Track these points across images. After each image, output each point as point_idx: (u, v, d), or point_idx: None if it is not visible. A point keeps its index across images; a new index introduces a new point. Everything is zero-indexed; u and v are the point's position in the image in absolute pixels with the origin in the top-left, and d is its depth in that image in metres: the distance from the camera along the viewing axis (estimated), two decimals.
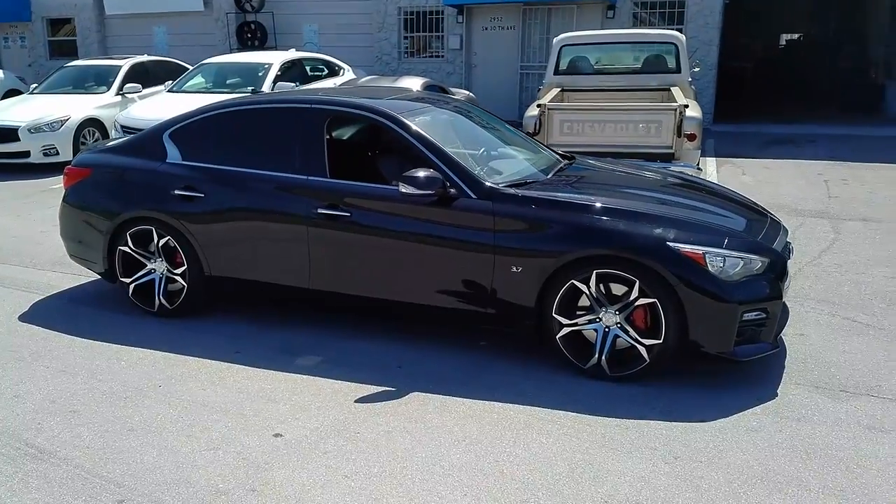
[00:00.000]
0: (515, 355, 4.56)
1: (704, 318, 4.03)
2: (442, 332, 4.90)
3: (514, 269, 4.30)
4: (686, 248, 4.06)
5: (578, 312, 4.31)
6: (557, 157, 5.45)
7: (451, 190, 4.44)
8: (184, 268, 5.16)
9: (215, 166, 5.09)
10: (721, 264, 4.06)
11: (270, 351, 4.69)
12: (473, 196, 4.42)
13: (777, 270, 4.23)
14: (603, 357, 4.23)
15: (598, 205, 4.28)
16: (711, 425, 3.76)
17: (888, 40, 15.79)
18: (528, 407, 3.95)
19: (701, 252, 4.06)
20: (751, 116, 15.34)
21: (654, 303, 4.08)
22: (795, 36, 28.07)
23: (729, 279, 4.05)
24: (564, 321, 4.28)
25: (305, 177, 4.80)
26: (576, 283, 4.21)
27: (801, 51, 25.70)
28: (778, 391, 4.11)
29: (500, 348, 4.67)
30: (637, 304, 4.13)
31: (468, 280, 4.43)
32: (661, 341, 4.10)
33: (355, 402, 4.02)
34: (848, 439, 3.61)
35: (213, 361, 4.54)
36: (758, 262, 4.14)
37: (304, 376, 4.33)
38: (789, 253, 4.54)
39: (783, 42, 28.74)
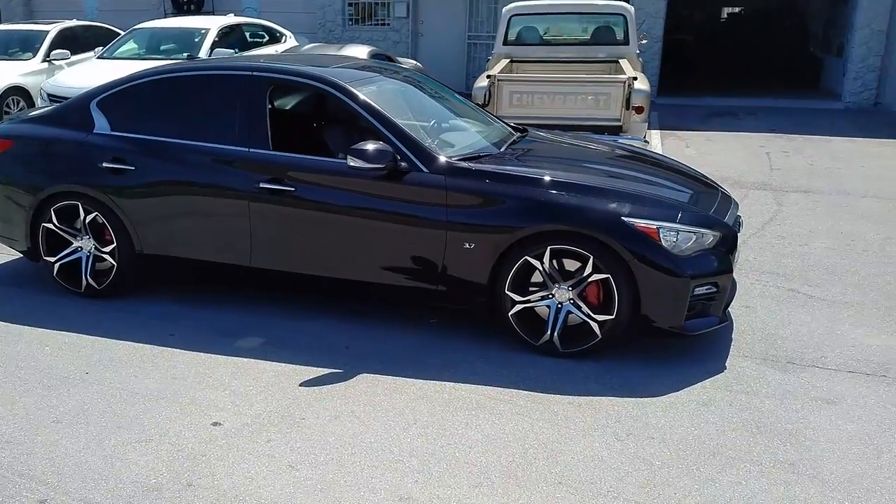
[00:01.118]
0: (467, 333, 4.44)
1: (657, 292, 3.98)
2: (391, 311, 4.75)
3: (467, 245, 4.17)
4: (640, 222, 3.99)
5: (531, 289, 4.22)
6: (510, 129, 5.31)
7: (402, 164, 4.27)
8: (113, 246, 4.87)
9: (147, 137, 4.81)
10: (674, 239, 4.00)
11: (208, 333, 4.47)
12: (425, 170, 4.26)
13: (728, 244, 4.19)
14: (555, 334, 4.14)
15: (553, 179, 4.17)
16: (662, 400, 3.72)
17: (826, 15, 16.05)
18: (481, 386, 3.85)
19: (655, 227, 3.99)
20: (692, 89, 15.46)
21: (607, 278, 4.01)
22: (737, 9, 28.39)
23: (681, 254, 4.00)
24: (517, 298, 4.17)
25: (246, 149, 4.56)
26: (529, 259, 4.10)
27: (742, 24, 26.01)
28: (726, 364, 4.09)
29: (452, 326, 4.54)
30: (590, 279, 4.05)
31: (418, 257, 4.29)
32: (613, 317, 4.03)
33: (300, 385, 3.85)
34: (797, 411, 3.61)
35: (146, 345, 4.31)
36: (710, 237, 4.10)
37: (245, 359, 4.14)
38: (739, 226, 4.51)
39: (725, 15, 29.05)
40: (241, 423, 3.51)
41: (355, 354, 4.20)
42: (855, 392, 3.79)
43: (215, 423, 3.51)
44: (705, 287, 4.06)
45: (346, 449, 3.30)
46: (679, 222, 4.05)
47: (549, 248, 4.06)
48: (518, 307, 4.19)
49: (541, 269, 4.11)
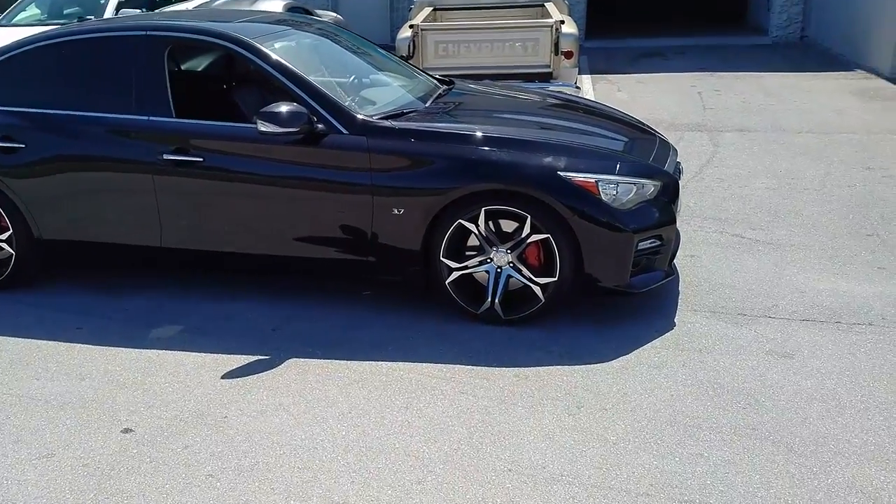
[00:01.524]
0: (403, 306, 4.10)
1: (600, 250, 3.69)
2: (320, 287, 4.36)
3: (396, 211, 3.80)
4: (578, 177, 3.68)
5: (468, 254, 3.89)
6: (435, 82, 4.90)
7: (319, 126, 3.85)
8: (9, 232, 4.35)
9: (37, 110, 4.27)
10: (614, 192, 3.70)
11: (120, 325, 4.02)
12: (345, 131, 3.85)
13: (669, 193, 3.92)
14: (496, 300, 3.83)
15: (485, 134, 3.82)
16: (612, 366, 3.46)
17: None
18: (420, 364, 3.53)
19: (594, 180, 3.68)
20: (619, 31, 15.18)
21: (546, 238, 3.70)
22: None
23: (622, 207, 3.70)
24: (453, 265, 3.84)
25: (146, 117, 4.07)
26: (463, 222, 3.76)
27: None
28: (675, 320, 3.86)
29: (387, 300, 4.19)
30: (529, 241, 3.74)
31: (345, 226, 3.90)
32: (555, 279, 3.74)
33: (222, 378, 3.47)
34: (753, 369, 3.40)
35: (50, 342, 3.84)
36: (650, 187, 3.82)
37: (161, 352, 3.72)
38: (679, 174, 4.25)
39: None
40: (156, 427, 3.11)
41: (283, 337, 3.83)
42: (810, 342, 3.60)
43: (126, 430, 3.11)
44: (649, 241, 3.79)
45: (274, 449, 2.95)
46: (618, 174, 3.75)
47: (483, 209, 3.73)
48: (455, 274, 3.86)
49: (476, 232, 3.78)
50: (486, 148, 3.76)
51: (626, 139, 4.28)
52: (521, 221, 3.73)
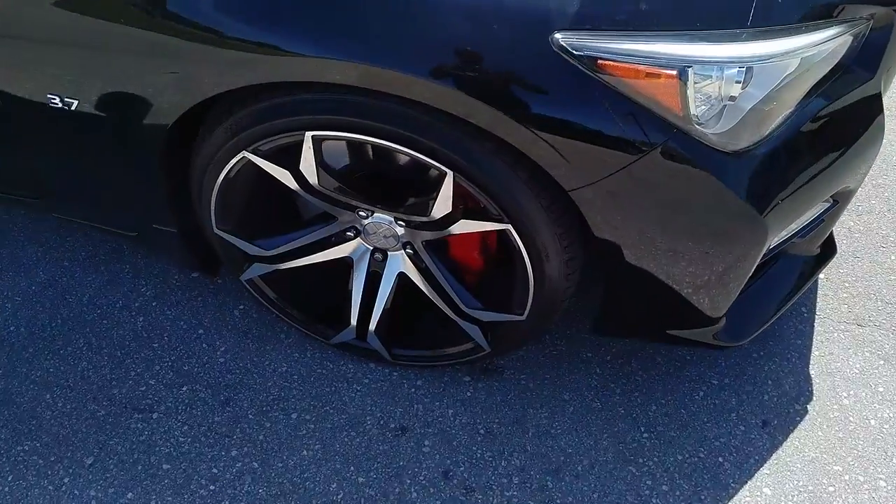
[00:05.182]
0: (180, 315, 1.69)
1: (663, 265, 1.18)
2: None
3: (54, 100, 1.23)
4: (619, 49, 0.99)
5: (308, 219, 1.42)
6: None
7: None
8: None
9: None
10: (734, 89, 1.02)
11: None
12: None
13: (870, 53, 1.17)
14: (372, 323, 1.43)
15: None
16: None
17: None
18: None
19: (675, 69, 0.99)
20: None
21: (505, 231, 1.18)
22: None
23: (752, 142, 1.05)
24: (251, 248, 1.38)
25: None
26: (251, 156, 1.21)
27: None
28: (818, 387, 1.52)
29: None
30: (453, 228, 1.22)
31: None
32: (521, 317, 1.30)
33: None
34: None
35: None
36: (831, 44, 1.08)
37: None
38: None
39: None
40: None
41: None
42: None
43: None
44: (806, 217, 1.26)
45: None
46: (747, 39, 1.02)
47: (310, 135, 1.14)
48: (259, 269, 1.41)
49: (294, 184, 1.24)
50: None
51: None
52: (434, 172, 1.17)
